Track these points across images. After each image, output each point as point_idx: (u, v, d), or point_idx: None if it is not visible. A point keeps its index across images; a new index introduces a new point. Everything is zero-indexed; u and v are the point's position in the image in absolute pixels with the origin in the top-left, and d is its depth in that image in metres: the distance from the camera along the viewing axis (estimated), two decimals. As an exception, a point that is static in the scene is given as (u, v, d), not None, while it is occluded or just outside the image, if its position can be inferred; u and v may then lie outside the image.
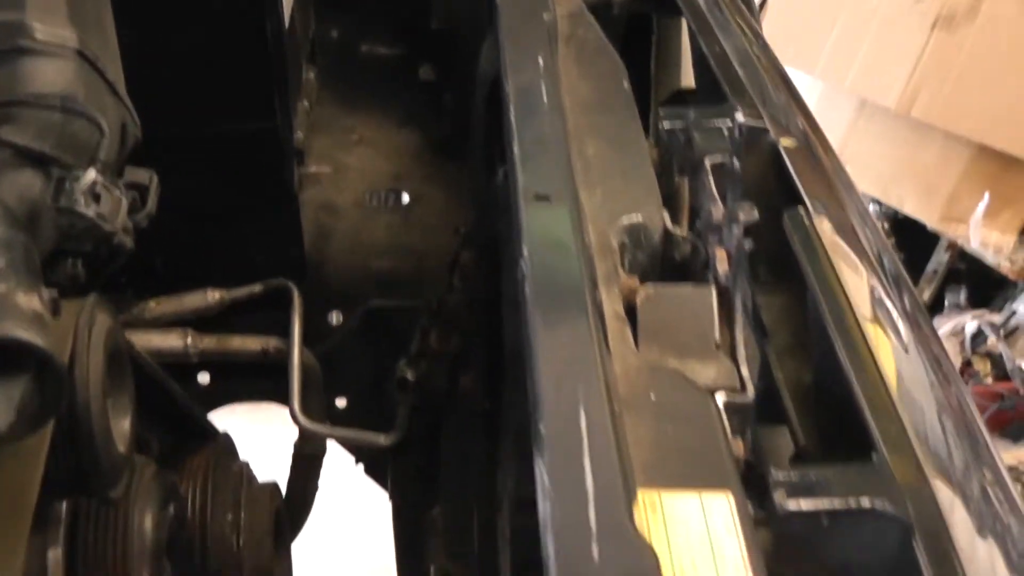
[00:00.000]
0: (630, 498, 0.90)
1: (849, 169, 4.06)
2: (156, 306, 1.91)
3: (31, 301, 1.07)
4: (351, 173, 2.00)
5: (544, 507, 0.88)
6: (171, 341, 1.89)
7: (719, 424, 1.03)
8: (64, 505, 1.34)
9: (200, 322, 1.93)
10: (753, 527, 0.94)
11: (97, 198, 1.29)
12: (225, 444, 1.81)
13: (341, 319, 2.01)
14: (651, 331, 1.11)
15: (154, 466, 1.46)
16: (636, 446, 0.98)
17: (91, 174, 1.28)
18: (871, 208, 4.26)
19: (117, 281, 1.73)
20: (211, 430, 1.84)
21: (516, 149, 1.21)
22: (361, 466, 2.22)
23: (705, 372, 1.09)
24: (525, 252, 1.09)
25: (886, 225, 4.28)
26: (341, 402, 2.11)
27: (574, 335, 1.03)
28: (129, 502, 1.37)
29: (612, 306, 1.13)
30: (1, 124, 1.25)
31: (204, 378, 2.06)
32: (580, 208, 1.19)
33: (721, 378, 1.09)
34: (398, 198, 2.00)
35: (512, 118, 1.25)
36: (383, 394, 2.01)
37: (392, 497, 2.20)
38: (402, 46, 2.02)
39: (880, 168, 4.07)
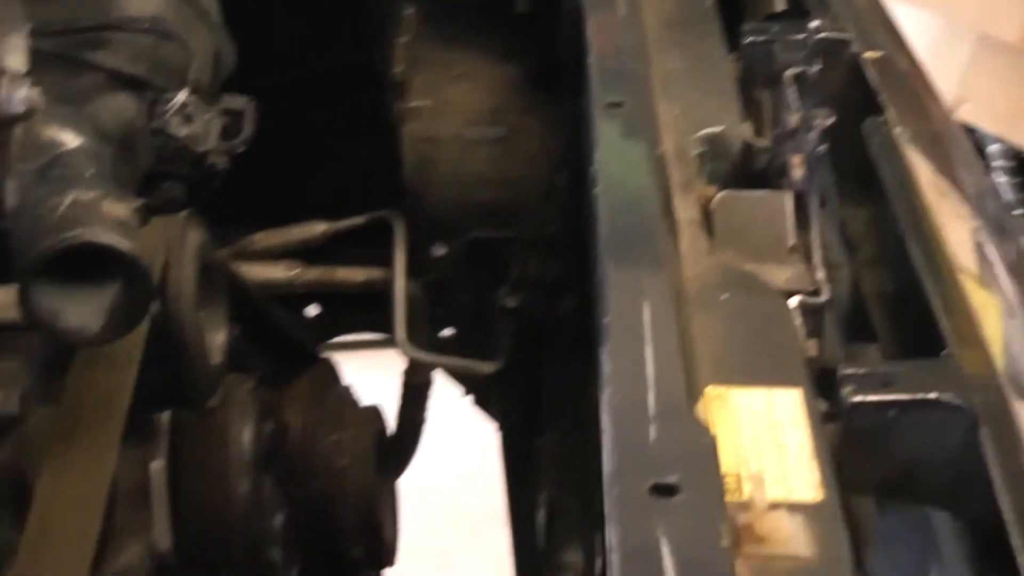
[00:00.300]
0: (692, 386, 0.92)
1: (970, 108, 3.97)
2: (261, 239, 1.95)
3: (117, 209, 1.11)
4: (451, 107, 2.02)
5: (604, 392, 0.90)
6: (276, 272, 1.93)
7: (791, 325, 1.04)
8: (165, 417, 1.39)
9: (305, 254, 1.97)
10: (821, 420, 0.95)
11: (189, 119, 1.33)
12: (327, 368, 1.85)
13: (444, 251, 2.03)
14: (725, 235, 1.13)
15: (253, 382, 1.50)
16: (705, 343, 0.99)
17: (182, 96, 1.33)
18: (994, 148, 4.18)
19: (223, 216, 1.77)
20: (314, 356, 1.87)
21: (591, 60, 1.22)
22: (469, 398, 2.25)
23: (779, 275, 1.10)
24: (596, 157, 1.10)
25: (1011, 164, 4.20)
26: (447, 333, 2.14)
27: (642, 236, 1.05)
28: (226, 414, 1.41)
29: (687, 211, 1.14)
30: (94, 48, 1.29)
31: (314, 310, 2.10)
32: (656, 117, 1.21)
33: (795, 281, 1.10)
34: (498, 130, 2.01)
35: (589, 32, 1.27)
36: (487, 324, 2.03)
37: (499, 428, 2.23)
38: None
39: (1002, 106, 3.99)
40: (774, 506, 0.86)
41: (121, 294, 1.11)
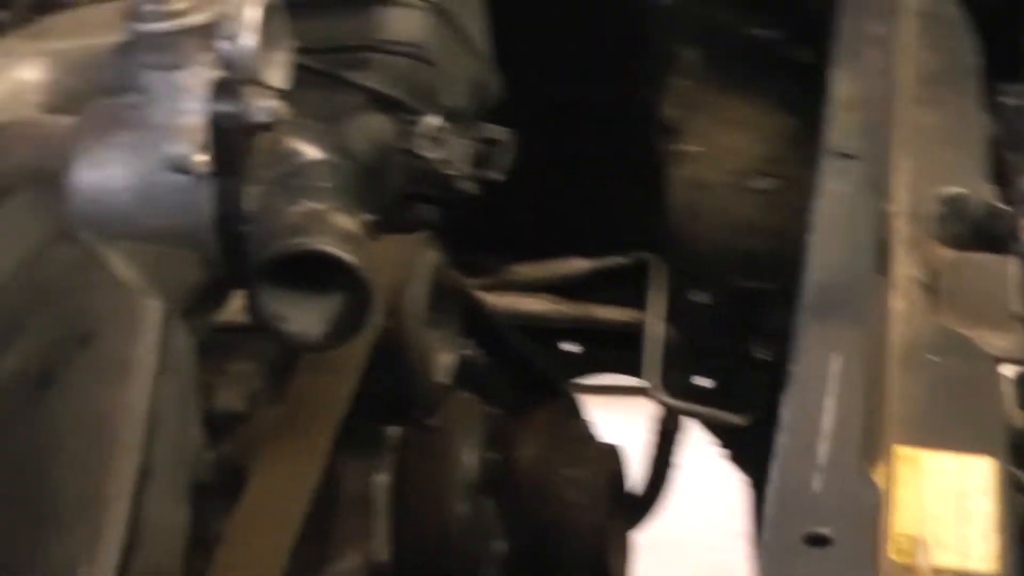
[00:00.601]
0: (873, 442, 0.90)
1: None
2: (520, 271, 1.98)
3: (347, 222, 1.14)
4: (724, 153, 2.00)
5: (779, 439, 0.89)
6: (533, 305, 1.95)
7: (998, 392, 1.01)
8: (394, 432, 1.42)
9: (563, 289, 1.99)
10: (1012, 493, 0.91)
11: (441, 143, 1.36)
12: (570, 402, 1.86)
13: (705, 297, 2.01)
14: (946, 297, 1.10)
15: (484, 407, 1.52)
16: (903, 402, 0.97)
17: (435, 120, 1.36)
18: None
19: (483, 245, 1.81)
20: (561, 391, 1.88)
21: (829, 108, 1.21)
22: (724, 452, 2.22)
23: (996, 341, 1.06)
24: (816, 205, 1.09)
25: None
26: (705, 382, 2.11)
27: (846, 288, 1.03)
28: (451, 434, 1.44)
29: (909, 269, 1.12)
30: (355, 68, 1.34)
31: (569, 347, 2.11)
32: (893, 172, 1.18)
33: (1011, 349, 1.06)
34: (770, 182, 1.99)
35: (833, 82, 1.25)
36: (742, 375, 2.01)
37: (751, 485, 2.19)
38: (784, 29, 2.01)
39: None
40: (940, 572, 0.83)
41: (344, 304, 1.14)
